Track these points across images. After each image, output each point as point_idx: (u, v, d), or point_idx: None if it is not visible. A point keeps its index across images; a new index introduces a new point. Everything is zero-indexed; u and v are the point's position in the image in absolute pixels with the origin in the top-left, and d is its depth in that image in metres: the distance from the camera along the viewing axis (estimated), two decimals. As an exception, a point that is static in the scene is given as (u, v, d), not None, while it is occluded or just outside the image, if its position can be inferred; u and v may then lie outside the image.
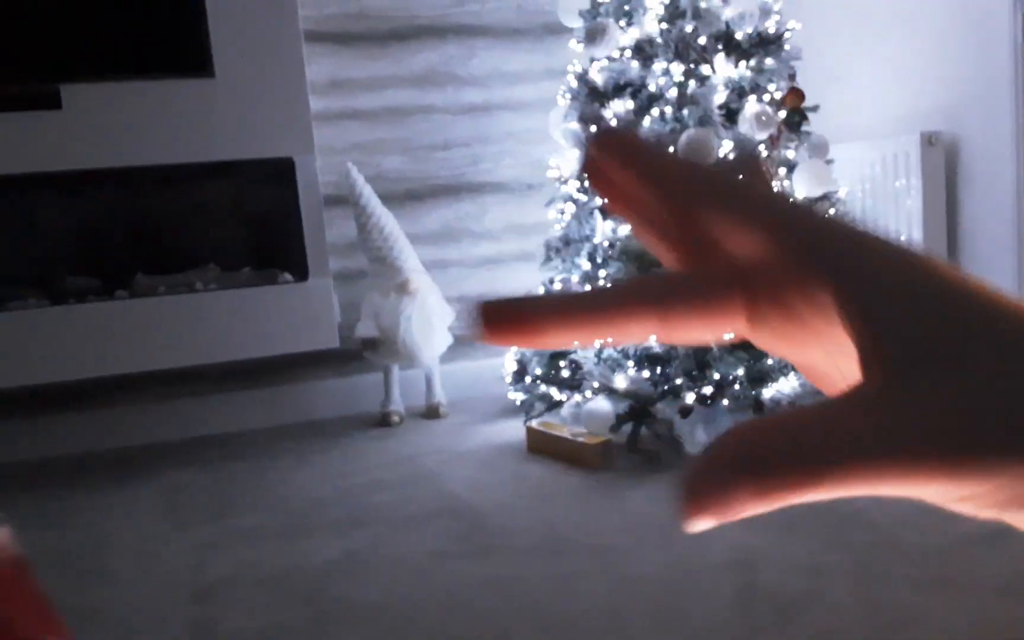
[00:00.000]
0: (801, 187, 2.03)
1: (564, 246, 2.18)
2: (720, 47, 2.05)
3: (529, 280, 2.56)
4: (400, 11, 2.52)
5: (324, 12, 2.40)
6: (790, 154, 2.07)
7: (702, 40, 2.04)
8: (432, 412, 2.44)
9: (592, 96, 2.19)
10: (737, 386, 1.88)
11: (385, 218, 2.31)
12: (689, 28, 2.04)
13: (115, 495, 1.94)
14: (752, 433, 0.18)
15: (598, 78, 2.16)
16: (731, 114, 2.05)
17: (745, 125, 1.99)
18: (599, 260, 2.08)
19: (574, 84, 2.22)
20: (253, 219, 2.43)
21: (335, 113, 2.46)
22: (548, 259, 2.23)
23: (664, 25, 2.06)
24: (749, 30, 2.06)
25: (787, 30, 2.10)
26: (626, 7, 2.11)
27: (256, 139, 2.11)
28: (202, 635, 1.25)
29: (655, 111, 2.05)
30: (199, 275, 2.22)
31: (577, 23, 2.25)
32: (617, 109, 2.11)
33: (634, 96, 2.10)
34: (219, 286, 2.19)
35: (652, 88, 2.07)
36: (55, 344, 2.03)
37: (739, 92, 2.05)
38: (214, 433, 2.41)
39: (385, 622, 1.24)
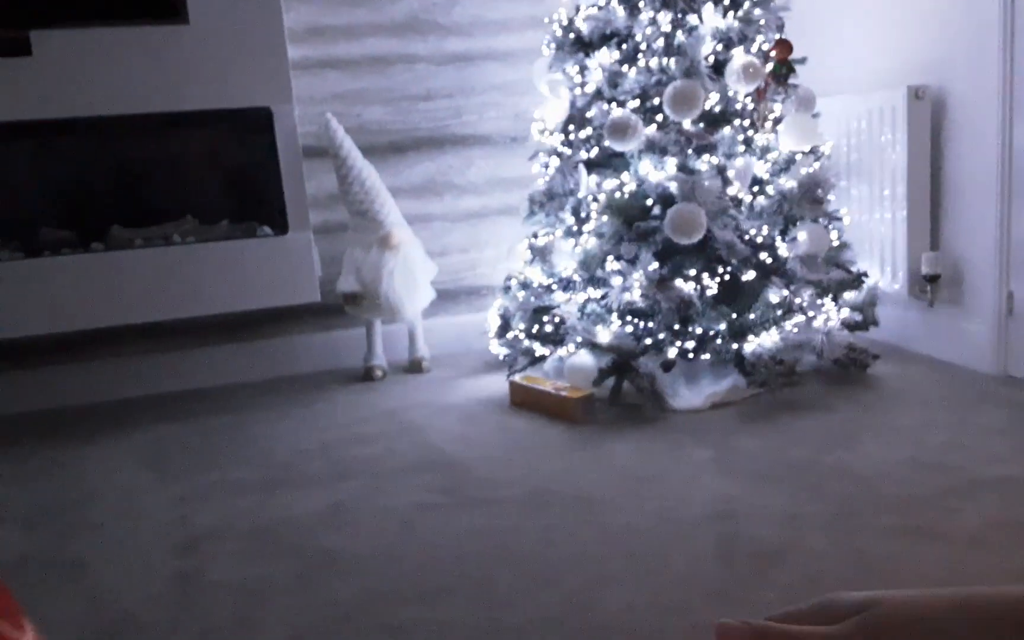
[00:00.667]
0: (787, 141, 2.02)
1: (548, 200, 2.16)
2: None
3: (512, 233, 2.54)
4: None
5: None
6: (777, 107, 2.05)
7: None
8: (415, 366, 2.44)
9: (576, 45, 2.15)
10: (719, 341, 1.89)
11: (367, 171, 2.27)
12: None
13: (99, 449, 1.93)
14: None
15: (583, 27, 2.12)
16: (718, 65, 2.03)
17: (732, 77, 1.97)
18: (583, 214, 2.07)
19: (559, 33, 2.18)
20: (231, 170, 2.38)
21: (314, 62, 2.41)
22: (532, 213, 2.22)
23: (651, -27, 2.02)
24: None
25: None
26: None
27: (233, 88, 2.06)
28: (188, 586, 1.25)
29: (641, 61, 2.03)
30: (176, 227, 2.19)
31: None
32: (603, 59, 2.07)
33: (619, 46, 2.07)
34: (197, 239, 2.15)
35: (638, 37, 2.04)
36: (31, 297, 2.00)
37: (726, 43, 2.03)
38: (197, 387, 2.39)
39: (371, 572, 1.25)
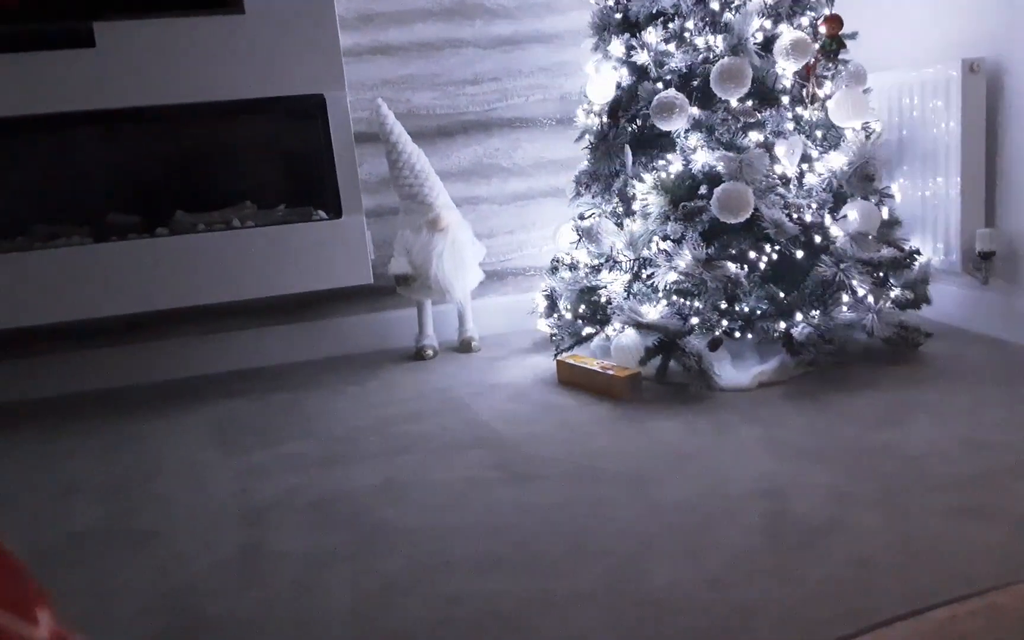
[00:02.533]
0: (837, 117, 2.00)
1: (594, 181, 2.18)
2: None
3: (558, 215, 2.56)
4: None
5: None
6: (827, 83, 2.03)
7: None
8: (465, 346, 2.49)
9: (623, 25, 2.15)
10: (767, 320, 1.89)
11: (416, 155, 2.32)
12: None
13: (167, 424, 2.02)
14: None
15: (631, 6, 2.12)
16: (766, 42, 2.01)
17: (781, 53, 1.96)
18: (629, 195, 2.08)
19: (605, 13, 2.19)
20: (287, 156, 2.45)
21: (364, 48, 2.45)
22: (578, 194, 2.24)
23: (698, -49, 2.01)
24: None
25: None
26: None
27: (287, 76, 2.12)
28: (250, 556, 1.32)
29: (687, 39, 2.02)
30: (236, 212, 2.27)
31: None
32: (649, 38, 2.07)
33: (666, 24, 2.07)
34: (256, 223, 2.23)
35: (685, 15, 2.03)
36: (100, 281, 2.09)
37: (775, 19, 2.01)
38: (257, 365, 2.48)
39: (425, 544, 1.30)
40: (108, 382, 2.41)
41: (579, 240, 2.20)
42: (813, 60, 1.98)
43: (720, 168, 1.91)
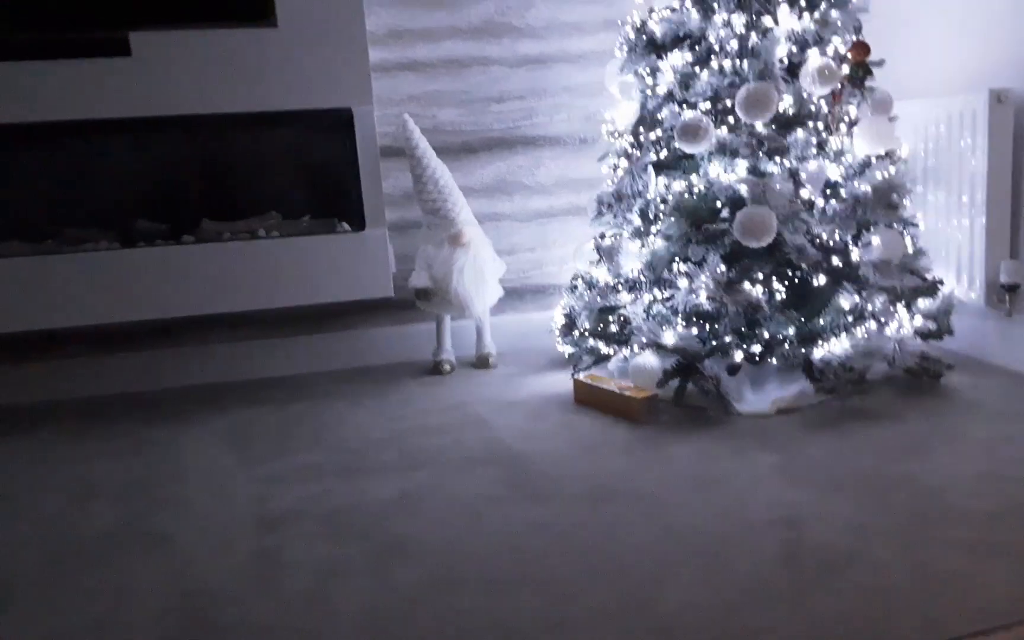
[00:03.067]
0: (862, 144, 1.99)
1: (616, 201, 2.18)
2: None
3: (579, 234, 2.57)
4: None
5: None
6: (852, 110, 2.02)
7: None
8: (482, 362, 2.49)
9: (649, 47, 2.16)
10: (787, 346, 1.88)
11: (440, 170, 2.33)
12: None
13: (187, 430, 2.05)
14: None
15: (656, 29, 2.13)
16: (793, 67, 2.01)
17: (807, 79, 1.96)
18: (651, 216, 2.08)
19: (631, 35, 2.20)
20: (313, 168, 2.48)
21: (393, 64, 2.48)
22: (599, 214, 2.24)
23: (726, -24, 2.02)
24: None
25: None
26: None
27: (317, 89, 2.15)
28: (266, 563, 1.33)
29: (714, 63, 2.03)
30: (262, 222, 2.29)
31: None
32: (675, 61, 2.08)
33: (692, 48, 2.07)
34: (280, 234, 2.25)
35: (712, 39, 2.04)
36: (127, 285, 2.13)
37: (802, 45, 2.01)
38: (277, 375, 2.50)
39: (438, 559, 1.31)
40: (130, 386, 2.44)
41: (599, 259, 2.21)
42: (839, 86, 1.98)
43: (743, 191, 1.91)
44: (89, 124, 2.10)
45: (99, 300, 2.12)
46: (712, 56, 2.04)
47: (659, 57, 2.13)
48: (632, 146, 2.17)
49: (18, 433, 2.10)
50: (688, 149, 1.98)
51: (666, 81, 2.10)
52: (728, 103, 1.99)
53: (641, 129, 2.16)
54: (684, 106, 2.06)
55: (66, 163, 2.32)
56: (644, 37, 2.16)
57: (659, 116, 2.11)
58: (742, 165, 1.96)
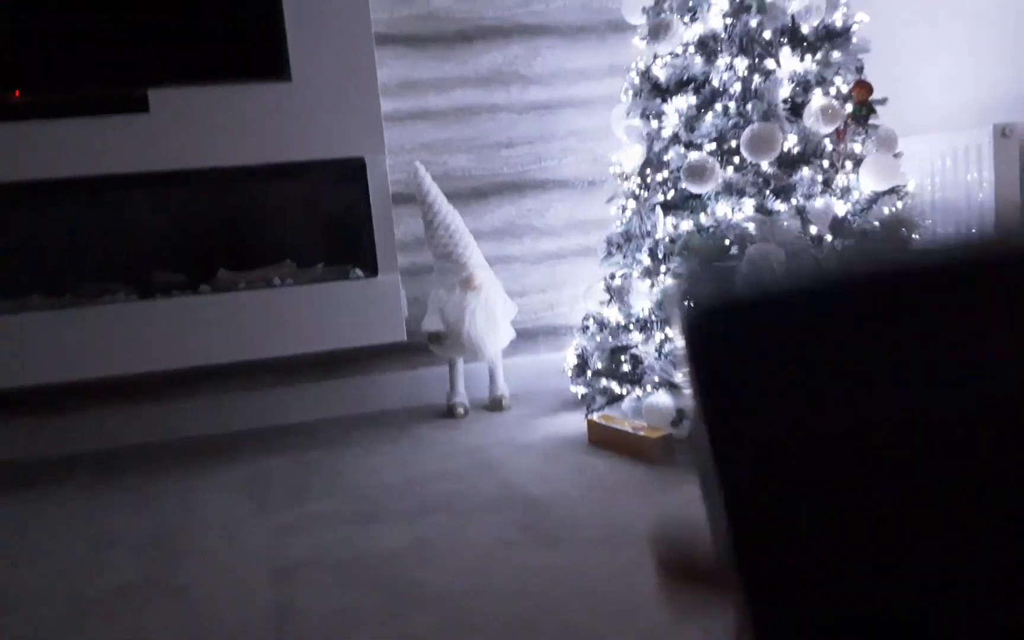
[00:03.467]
0: (868, 181, 2.01)
1: (625, 242, 2.20)
2: (785, 41, 2.04)
3: (589, 274, 2.59)
4: (467, 12, 2.57)
5: (395, 14, 2.47)
6: (857, 148, 2.04)
7: (767, 34, 2.03)
8: (496, 404, 2.50)
9: (654, 92, 2.20)
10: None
11: (451, 215, 2.37)
12: (754, 23, 2.03)
13: (201, 480, 2.06)
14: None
15: (661, 74, 2.17)
16: (796, 108, 2.04)
17: (811, 119, 1.98)
18: (660, 256, 2.10)
19: (636, 80, 2.24)
20: (327, 217, 2.52)
21: (405, 114, 2.53)
22: (609, 254, 2.26)
23: (729, 20, 2.06)
24: (815, 23, 2.04)
25: (855, 23, 2.07)
26: (690, 3, 2.12)
27: (330, 140, 2.20)
28: (281, 614, 1.33)
29: (718, 106, 2.06)
30: (277, 270, 2.33)
31: (641, 20, 2.26)
32: (680, 104, 2.11)
33: (697, 91, 2.11)
34: (295, 281, 2.29)
35: (715, 83, 2.07)
36: (143, 336, 2.16)
37: (804, 86, 2.04)
38: (292, 422, 2.52)
39: (454, 607, 1.30)
40: (146, 437, 2.45)
41: (610, 299, 2.22)
42: (843, 125, 2.00)
43: (751, 229, 1.93)
44: (107, 179, 2.15)
45: (117, 352, 2.15)
46: (716, 98, 2.07)
47: (664, 100, 2.16)
48: (640, 187, 2.20)
49: (38, 486, 2.11)
50: (695, 189, 2.01)
51: (671, 123, 2.13)
52: (733, 144, 2.01)
53: (648, 171, 2.18)
54: (690, 147, 2.08)
55: (84, 217, 2.37)
56: (649, 82, 2.20)
57: (665, 158, 2.14)
58: (749, 204, 1.98)
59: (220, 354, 2.19)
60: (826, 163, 2.02)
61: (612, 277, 2.25)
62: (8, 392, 2.25)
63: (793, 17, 2.03)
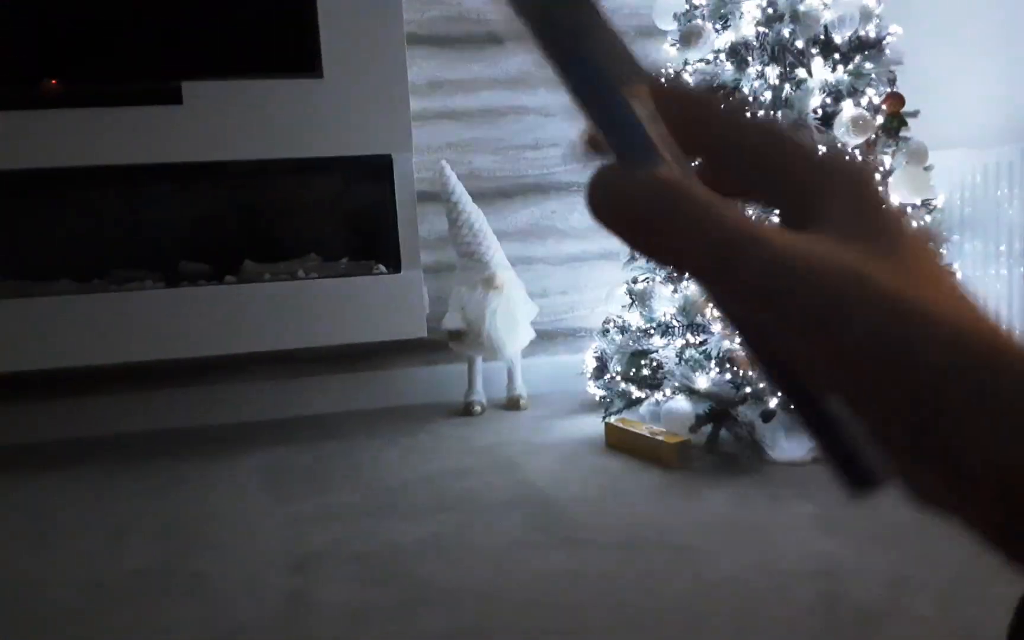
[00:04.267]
0: (898, 193, 1.99)
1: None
2: (817, 51, 2.03)
3: (611, 278, 2.58)
4: (498, 13, 2.57)
5: (425, 15, 2.48)
6: (887, 159, 2.02)
7: (799, 44, 2.02)
8: (513, 404, 2.50)
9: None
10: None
11: (475, 215, 2.37)
12: (786, 32, 2.02)
13: (222, 468, 2.07)
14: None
15: (691, 81, 2.16)
16: (827, 118, 2.02)
17: (841, 129, 1.97)
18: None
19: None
20: (352, 212, 2.54)
21: (432, 113, 2.54)
22: (632, 258, 2.25)
23: (761, 28, 2.05)
24: (848, 34, 2.02)
25: (888, 34, 2.05)
26: (722, 10, 2.11)
27: (359, 137, 2.21)
28: (297, 605, 1.34)
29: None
30: (301, 264, 2.35)
31: (672, 26, 2.26)
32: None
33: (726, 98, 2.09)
34: (319, 275, 2.30)
35: (746, 90, 2.06)
36: (168, 324, 2.18)
37: (836, 96, 2.02)
38: (310, 414, 2.53)
39: (467, 606, 1.30)
40: (166, 423, 2.48)
41: (632, 303, 2.21)
42: (874, 137, 1.99)
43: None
44: (138, 168, 2.18)
45: (143, 338, 2.17)
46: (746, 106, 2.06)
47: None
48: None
49: (57, 469, 2.14)
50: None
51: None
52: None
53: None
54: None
55: (115, 205, 2.40)
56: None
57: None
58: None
59: (243, 344, 2.22)
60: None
61: (635, 281, 2.25)
62: (34, 374, 2.29)
63: (826, 27, 2.02)
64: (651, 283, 2.16)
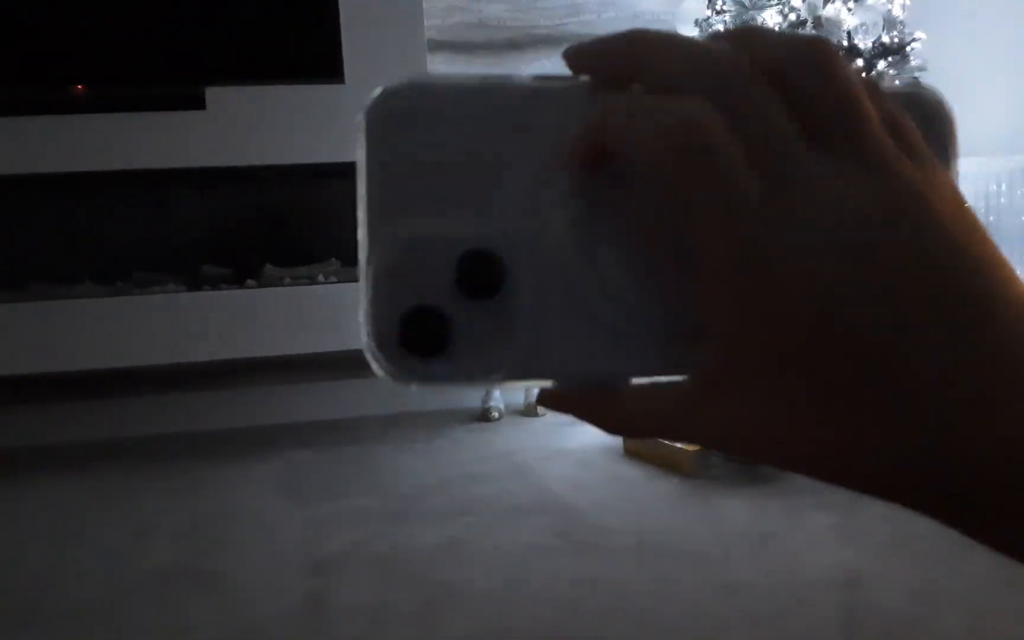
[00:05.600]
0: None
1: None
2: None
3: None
4: (518, 21, 2.57)
5: (446, 22, 2.49)
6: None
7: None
8: (530, 410, 2.50)
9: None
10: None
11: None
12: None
13: (238, 471, 2.09)
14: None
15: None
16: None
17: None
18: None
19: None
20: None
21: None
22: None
23: (781, 34, 2.04)
24: (872, 40, 2.01)
25: (912, 41, 2.04)
26: (744, 16, 2.10)
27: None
28: (315, 607, 1.34)
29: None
30: (321, 269, 2.36)
31: (694, 32, 2.25)
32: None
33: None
34: (339, 280, 2.32)
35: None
36: (189, 326, 2.20)
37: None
38: (328, 418, 2.54)
39: (485, 610, 1.30)
40: (186, 426, 2.49)
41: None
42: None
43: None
44: (161, 172, 2.20)
45: (164, 341, 2.20)
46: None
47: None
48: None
49: (81, 470, 2.17)
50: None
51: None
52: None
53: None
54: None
55: (138, 208, 2.43)
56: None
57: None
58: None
59: (263, 347, 2.23)
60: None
61: None
62: (56, 376, 2.31)
63: (849, 33, 2.01)
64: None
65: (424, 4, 2.38)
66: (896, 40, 2.03)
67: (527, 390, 2.52)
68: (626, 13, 2.62)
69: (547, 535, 1.58)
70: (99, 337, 2.17)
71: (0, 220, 2.30)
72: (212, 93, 2.14)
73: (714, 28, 2.12)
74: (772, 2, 2.04)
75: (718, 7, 2.16)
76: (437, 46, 2.50)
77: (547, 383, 0.23)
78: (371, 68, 2.20)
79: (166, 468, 2.13)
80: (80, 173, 2.15)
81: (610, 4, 2.59)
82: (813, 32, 2.00)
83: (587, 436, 2.24)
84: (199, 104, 2.14)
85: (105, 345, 2.17)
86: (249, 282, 2.28)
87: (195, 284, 2.27)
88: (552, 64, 2.58)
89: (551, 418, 2.44)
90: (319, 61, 2.22)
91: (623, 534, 1.57)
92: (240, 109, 2.16)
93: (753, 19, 2.09)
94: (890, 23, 2.03)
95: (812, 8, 2.02)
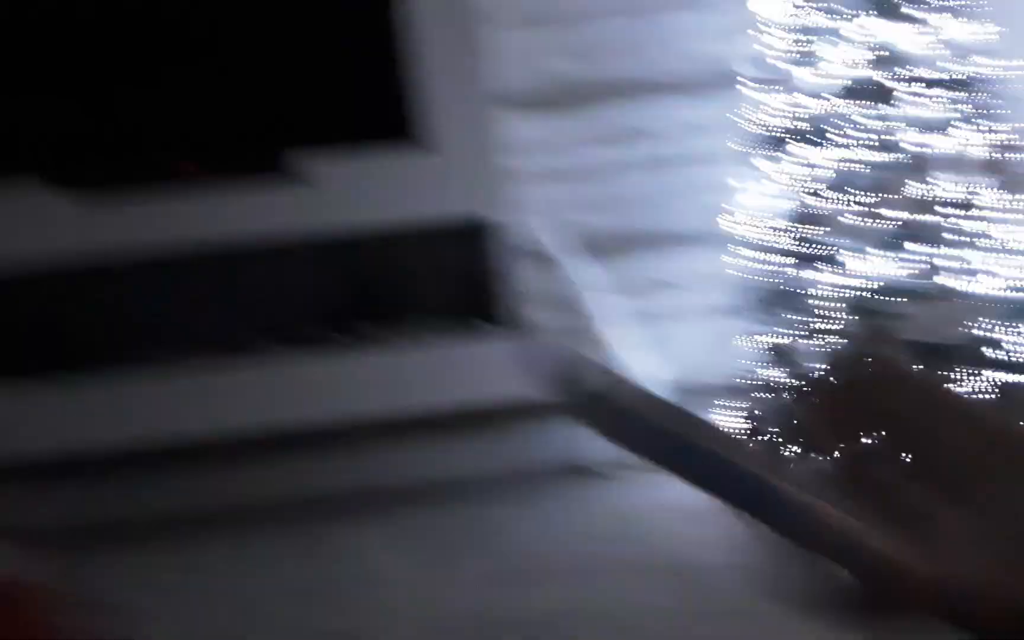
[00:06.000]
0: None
1: (777, 299, 2.14)
2: (920, 86, 1.98)
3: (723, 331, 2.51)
4: (585, 74, 2.61)
5: (522, 78, 2.51)
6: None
7: (895, 82, 1.98)
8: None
9: (771, 142, 2.16)
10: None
11: (580, 274, 2.39)
12: (880, 70, 1.99)
13: (355, 533, 2.09)
14: None
15: (777, 123, 2.13)
16: (922, 158, 1.97)
17: (944, 166, 1.92)
18: (821, 313, 2.03)
19: (755, 131, 2.20)
20: (461, 275, 2.59)
21: (532, 174, 2.56)
22: (763, 311, 2.18)
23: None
24: (952, 71, 1.97)
25: (995, 71, 1.99)
26: (810, 47, 2.07)
27: (461, 201, 2.30)
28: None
29: (859, 153, 2.01)
30: (418, 327, 2.40)
31: (759, 71, 2.23)
32: (825, 156, 2.07)
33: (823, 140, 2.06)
34: (436, 338, 2.36)
35: (835, 132, 2.03)
36: (296, 389, 2.28)
37: (937, 130, 1.97)
38: (435, 477, 2.49)
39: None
40: (290, 492, 2.42)
41: (774, 361, 2.12)
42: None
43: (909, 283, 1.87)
44: (249, 243, 2.30)
45: (267, 405, 2.27)
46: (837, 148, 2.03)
47: (781, 150, 2.12)
48: (790, 241, 2.13)
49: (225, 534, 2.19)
50: (846, 243, 1.96)
51: (810, 174, 2.09)
52: (878, 195, 1.96)
53: (791, 225, 2.13)
54: (816, 196, 2.04)
55: (226, 277, 2.50)
56: (789, 132, 2.14)
57: (807, 210, 2.09)
58: (903, 256, 1.92)
59: (372, 407, 2.28)
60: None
61: (774, 337, 2.15)
62: (165, 447, 2.35)
63: (928, 63, 1.97)
64: (789, 339, 2.08)
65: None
66: (975, 71, 1.98)
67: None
68: (689, 57, 2.61)
69: (671, 598, 1.56)
70: (203, 405, 2.25)
71: (118, 296, 2.42)
72: (301, 163, 2.24)
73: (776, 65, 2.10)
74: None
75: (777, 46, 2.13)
76: (513, 104, 2.54)
77: None
78: (448, 128, 2.27)
79: (274, 534, 2.15)
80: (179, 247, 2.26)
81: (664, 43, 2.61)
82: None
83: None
84: (292, 176, 2.24)
85: (212, 412, 2.26)
86: (353, 344, 2.34)
87: (296, 348, 2.33)
88: (621, 113, 2.60)
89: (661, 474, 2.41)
90: (397, 124, 2.29)
91: (752, 598, 1.54)
92: (336, 178, 2.25)
93: (814, 61, 2.05)
94: (968, 52, 1.98)
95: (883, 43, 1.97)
